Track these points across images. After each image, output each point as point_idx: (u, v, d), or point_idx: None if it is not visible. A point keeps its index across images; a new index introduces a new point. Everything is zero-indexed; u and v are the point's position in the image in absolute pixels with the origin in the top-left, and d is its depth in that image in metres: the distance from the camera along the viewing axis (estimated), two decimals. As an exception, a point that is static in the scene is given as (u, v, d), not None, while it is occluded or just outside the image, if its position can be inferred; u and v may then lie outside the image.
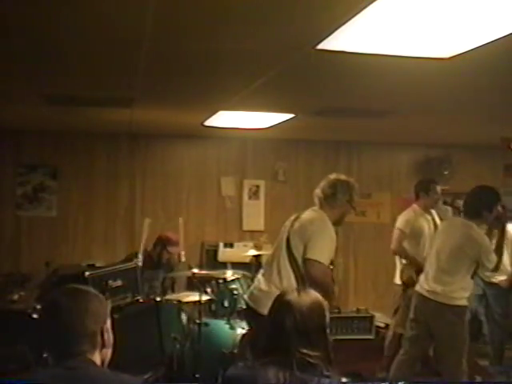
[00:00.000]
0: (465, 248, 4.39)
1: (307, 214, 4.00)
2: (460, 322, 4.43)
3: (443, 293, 4.42)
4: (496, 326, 6.01)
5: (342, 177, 4.09)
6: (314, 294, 2.27)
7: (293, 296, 2.25)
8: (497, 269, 4.58)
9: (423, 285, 4.57)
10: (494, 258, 4.40)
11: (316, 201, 4.04)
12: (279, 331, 2.20)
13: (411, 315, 4.68)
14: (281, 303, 2.27)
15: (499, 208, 4.53)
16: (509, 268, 5.93)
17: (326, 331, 2.19)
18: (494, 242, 5.15)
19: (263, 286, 3.92)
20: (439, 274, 4.48)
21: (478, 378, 5.37)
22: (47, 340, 1.90)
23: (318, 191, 4.04)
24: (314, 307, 2.21)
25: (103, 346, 1.90)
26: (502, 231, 4.65)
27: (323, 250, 3.80)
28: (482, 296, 6.13)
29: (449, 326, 4.42)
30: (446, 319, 4.42)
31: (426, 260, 4.74)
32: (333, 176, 4.08)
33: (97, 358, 1.89)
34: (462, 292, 4.43)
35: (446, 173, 7.88)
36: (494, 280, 5.93)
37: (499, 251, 4.50)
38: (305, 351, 2.13)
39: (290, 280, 3.81)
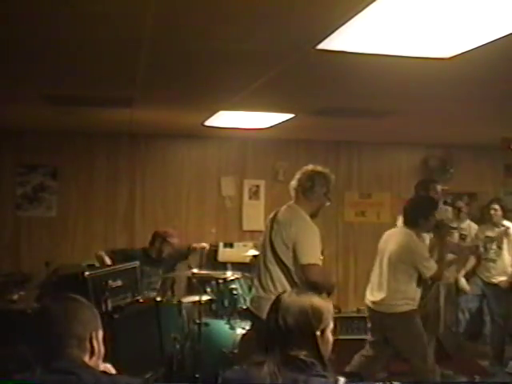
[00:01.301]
0: (402, 256, 4.42)
1: (284, 214, 3.95)
2: (410, 325, 4.42)
3: (385, 302, 4.45)
4: (496, 326, 6.02)
5: (319, 168, 4.03)
6: (308, 298, 2.24)
7: (284, 297, 2.27)
8: (438, 278, 4.59)
9: (368, 296, 4.61)
10: (431, 265, 4.40)
11: (292, 193, 3.99)
12: (266, 330, 2.23)
13: (368, 324, 4.75)
14: (272, 303, 2.30)
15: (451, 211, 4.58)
16: (509, 269, 5.94)
17: (314, 334, 2.16)
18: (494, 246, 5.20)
19: (261, 293, 3.91)
20: (381, 284, 4.51)
21: (478, 378, 5.38)
22: (37, 343, 1.92)
23: (294, 183, 3.99)
24: (303, 309, 2.19)
25: (92, 353, 1.91)
26: (442, 240, 4.68)
27: (313, 249, 3.77)
28: (482, 296, 6.14)
29: (400, 333, 4.44)
30: (395, 327, 4.43)
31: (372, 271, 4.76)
32: (310, 167, 4.02)
33: (87, 360, 1.90)
34: (405, 300, 4.43)
35: (451, 170, 7.88)
36: (493, 280, 5.94)
37: (439, 259, 4.52)
38: (288, 351, 2.14)
39: (281, 282, 3.79)
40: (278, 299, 2.28)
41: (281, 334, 2.17)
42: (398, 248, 4.46)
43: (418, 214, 4.50)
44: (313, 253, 3.76)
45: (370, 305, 4.57)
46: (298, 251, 3.75)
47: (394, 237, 4.64)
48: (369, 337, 4.76)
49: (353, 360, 4.75)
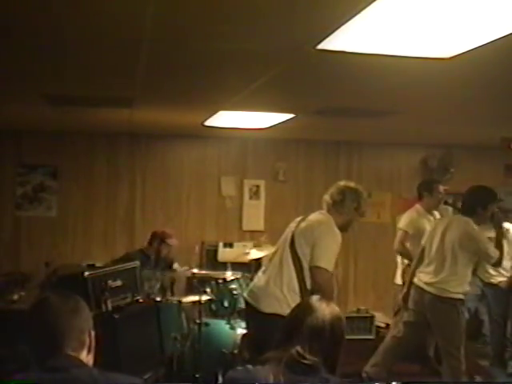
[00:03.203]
0: (464, 244, 4.56)
1: (314, 216, 4.04)
2: (455, 311, 4.59)
3: (439, 286, 4.60)
4: (496, 326, 6.02)
5: (351, 184, 4.14)
6: (336, 309, 2.33)
7: (318, 303, 2.32)
8: (499, 263, 4.79)
9: (421, 277, 4.74)
10: (493, 252, 4.59)
11: (324, 206, 4.08)
12: (295, 328, 2.24)
13: (410, 305, 4.83)
14: (306, 304, 2.36)
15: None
16: (509, 269, 5.93)
17: (339, 346, 2.24)
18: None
19: (262, 283, 3.94)
20: (437, 268, 4.64)
21: (478, 378, 5.38)
22: (34, 339, 1.92)
23: (326, 197, 4.09)
24: (336, 320, 2.27)
25: (90, 349, 1.92)
26: (500, 228, 4.89)
27: (330, 255, 3.85)
28: (482, 296, 6.14)
29: (444, 315, 4.60)
30: (441, 309, 4.60)
31: (425, 254, 4.85)
32: (342, 183, 4.13)
33: (84, 358, 1.90)
34: (458, 286, 4.60)
35: (452, 170, 7.88)
36: (493, 281, 5.95)
37: (499, 246, 4.69)
38: (303, 352, 2.15)
39: (290, 278, 3.83)
40: (309, 303, 2.32)
41: (307, 334, 2.20)
42: (461, 236, 4.59)
43: (477, 203, 4.66)
44: (327, 258, 3.83)
45: (423, 285, 4.68)
46: (315, 253, 3.82)
47: (453, 224, 4.74)
48: (405, 316, 4.86)
49: (384, 341, 4.93)
